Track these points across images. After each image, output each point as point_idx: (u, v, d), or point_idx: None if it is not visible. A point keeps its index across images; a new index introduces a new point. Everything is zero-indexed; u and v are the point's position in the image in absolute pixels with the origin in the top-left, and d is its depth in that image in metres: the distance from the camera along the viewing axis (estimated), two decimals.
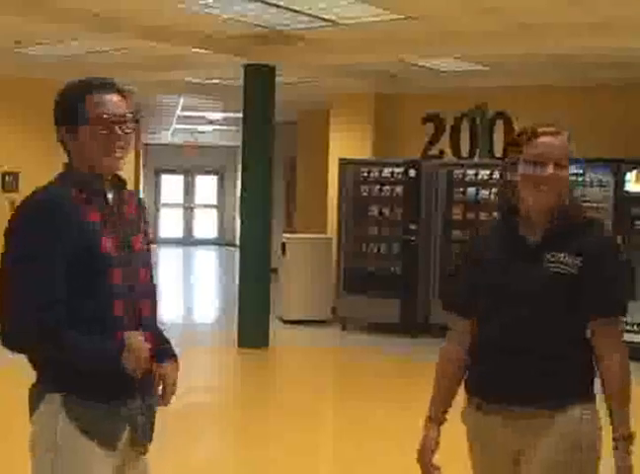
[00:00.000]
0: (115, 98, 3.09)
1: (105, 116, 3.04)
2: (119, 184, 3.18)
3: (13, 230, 2.98)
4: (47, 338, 2.92)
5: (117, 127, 3.06)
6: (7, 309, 2.94)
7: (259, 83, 11.03)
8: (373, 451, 7.17)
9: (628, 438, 3.09)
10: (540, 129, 3.19)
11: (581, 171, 10.92)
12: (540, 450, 3.12)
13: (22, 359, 3.06)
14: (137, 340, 2.99)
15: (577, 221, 3.20)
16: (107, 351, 2.97)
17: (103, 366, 2.98)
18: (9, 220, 2.99)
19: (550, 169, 3.13)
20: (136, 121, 3.16)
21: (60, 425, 2.99)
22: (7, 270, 2.97)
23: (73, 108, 3.05)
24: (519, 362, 3.16)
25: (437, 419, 3.38)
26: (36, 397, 3.05)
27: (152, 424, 3.21)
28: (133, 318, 3.10)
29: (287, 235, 14.22)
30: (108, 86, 3.10)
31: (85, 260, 2.97)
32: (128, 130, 3.11)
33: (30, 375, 3.09)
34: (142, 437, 3.16)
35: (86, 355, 2.97)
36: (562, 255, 3.12)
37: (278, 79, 11.18)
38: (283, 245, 13.24)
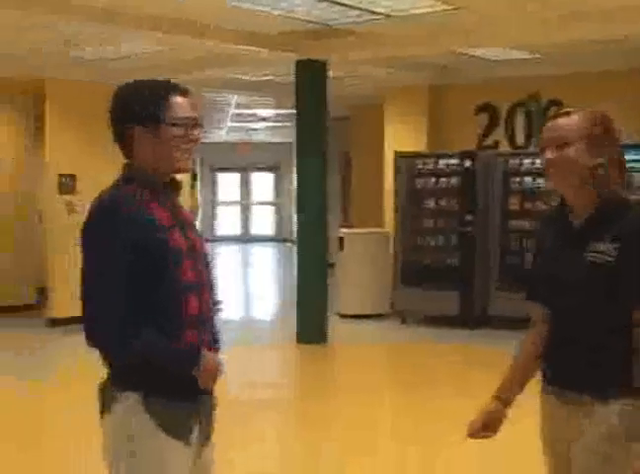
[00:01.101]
0: (191, 101, 3.18)
1: (186, 118, 3.12)
2: (176, 186, 3.25)
3: (84, 237, 3.05)
4: (128, 351, 3.01)
5: (194, 131, 3.15)
6: (93, 317, 3.04)
7: (311, 78, 11.03)
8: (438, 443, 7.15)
9: None
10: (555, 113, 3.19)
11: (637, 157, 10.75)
12: (583, 437, 3.09)
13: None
14: (213, 360, 3.11)
15: (618, 205, 3.08)
16: (180, 357, 3.08)
17: (175, 370, 3.07)
18: (83, 225, 3.06)
19: (549, 152, 3.10)
20: (202, 126, 3.21)
21: (138, 422, 3.03)
22: (87, 279, 3.05)
23: (156, 107, 3.09)
24: (568, 351, 3.16)
25: (502, 399, 3.37)
26: (109, 398, 3.09)
27: (214, 416, 3.31)
28: (204, 316, 3.19)
29: (345, 230, 14.22)
30: (184, 89, 3.18)
31: (157, 256, 3.03)
32: (200, 134, 3.20)
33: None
34: (209, 431, 3.25)
35: (162, 358, 3.05)
36: (600, 244, 3.04)
37: (330, 74, 11.17)
38: (341, 240, 13.24)
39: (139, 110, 3.09)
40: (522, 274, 11.34)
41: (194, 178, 14.55)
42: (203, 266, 3.25)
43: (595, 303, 3.07)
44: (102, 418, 3.12)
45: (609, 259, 3.01)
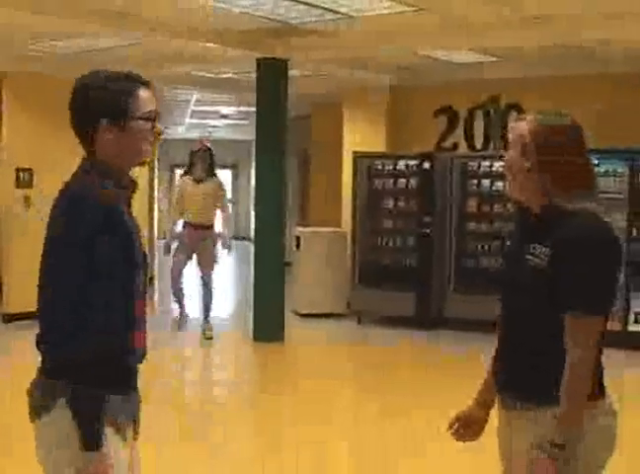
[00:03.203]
0: (152, 94, 3.16)
1: (151, 111, 3.12)
2: (136, 185, 3.24)
3: (86, 237, 2.94)
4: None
5: (157, 123, 3.16)
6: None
7: (272, 77, 11.03)
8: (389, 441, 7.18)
9: (553, 445, 2.92)
10: None
11: (595, 162, 10.86)
12: (523, 443, 3.08)
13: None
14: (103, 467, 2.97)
15: (559, 212, 3.05)
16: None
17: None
18: (63, 209, 2.99)
19: (505, 154, 3.19)
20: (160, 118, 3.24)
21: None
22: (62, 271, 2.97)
23: (124, 102, 3.06)
24: (512, 354, 3.19)
25: (479, 401, 3.42)
26: (51, 395, 2.98)
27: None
28: (144, 313, 3.19)
29: (301, 229, 14.23)
30: (146, 82, 3.15)
31: (129, 259, 3.03)
32: (161, 126, 3.21)
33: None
34: (137, 428, 3.23)
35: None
36: (538, 247, 3.05)
37: (291, 73, 11.18)
38: (298, 239, 13.24)
39: (110, 105, 3.05)
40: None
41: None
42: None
43: (537, 307, 3.07)
44: (42, 415, 3.01)
45: (544, 264, 3.01)
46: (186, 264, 11.50)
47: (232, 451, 7.12)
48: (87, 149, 3.12)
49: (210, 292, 11.57)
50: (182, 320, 11.91)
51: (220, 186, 11.57)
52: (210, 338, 11.44)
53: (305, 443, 7.20)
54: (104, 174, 3.05)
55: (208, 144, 11.74)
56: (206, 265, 11.43)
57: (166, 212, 17.90)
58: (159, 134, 3.16)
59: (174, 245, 11.53)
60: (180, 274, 11.49)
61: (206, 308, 11.58)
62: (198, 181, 11.35)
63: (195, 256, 11.45)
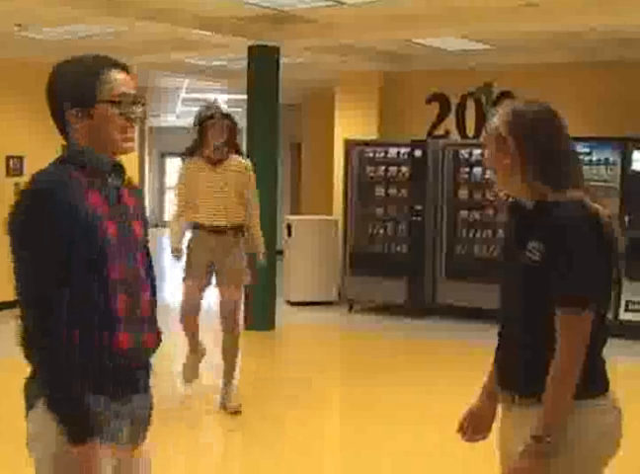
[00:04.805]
0: (127, 77, 2.96)
1: (123, 95, 2.91)
2: (118, 168, 3.03)
3: (14, 224, 2.89)
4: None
5: (133, 108, 2.95)
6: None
7: (263, 64, 10.98)
8: (379, 436, 7.17)
9: (533, 439, 2.90)
10: None
11: (587, 150, 10.87)
12: (512, 441, 3.06)
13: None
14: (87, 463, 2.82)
15: (548, 204, 2.99)
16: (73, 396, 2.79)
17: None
18: (11, 209, 2.88)
19: (485, 151, 3.16)
20: (143, 104, 3.01)
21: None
22: (18, 268, 2.92)
23: (89, 86, 2.88)
24: (510, 349, 3.16)
25: (488, 391, 3.36)
26: (33, 393, 2.89)
27: (150, 416, 3.15)
28: (138, 315, 2.99)
29: (292, 217, 14.20)
30: (119, 64, 2.96)
31: (86, 245, 2.81)
32: (141, 112, 3.00)
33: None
34: (141, 431, 3.08)
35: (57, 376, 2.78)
36: (530, 243, 2.98)
37: (282, 60, 11.13)
38: (289, 226, 13.21)
39: (73, 89, 2.90)
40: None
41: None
42: (142, 260, 3.05)
43: (533, 302, 3.02)
44: (27, 415, 2.92)
45: (537, 258, 2.94)
46: (203, 291, 7.85)
47: (223, 440, 7.12)
48: (64, 138, 2.98)
49: (236, 338, 7.79)
50: (195, 363, 7.90)
51: (247, 168, 7.64)
52: (236, 412, 7.54)
53: (296, 430, 7.20)
54: (79, 164, 2.90)
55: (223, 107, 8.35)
56: (232, 288, 7.77)
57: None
58: (134, 120, 2.95)
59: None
60: (196, 308, 7.78)
61: (229, 367, 7.79)
62: (214, 163, 7.57)
63: (214, 275, 7.80)
